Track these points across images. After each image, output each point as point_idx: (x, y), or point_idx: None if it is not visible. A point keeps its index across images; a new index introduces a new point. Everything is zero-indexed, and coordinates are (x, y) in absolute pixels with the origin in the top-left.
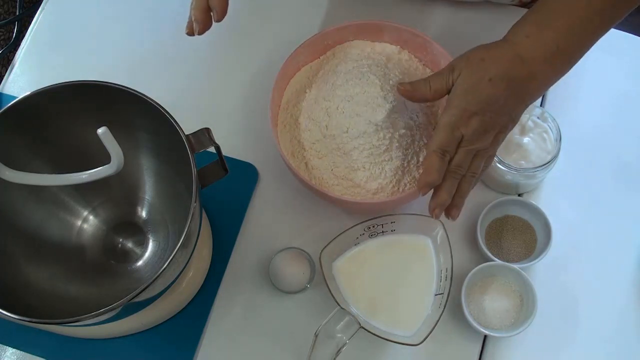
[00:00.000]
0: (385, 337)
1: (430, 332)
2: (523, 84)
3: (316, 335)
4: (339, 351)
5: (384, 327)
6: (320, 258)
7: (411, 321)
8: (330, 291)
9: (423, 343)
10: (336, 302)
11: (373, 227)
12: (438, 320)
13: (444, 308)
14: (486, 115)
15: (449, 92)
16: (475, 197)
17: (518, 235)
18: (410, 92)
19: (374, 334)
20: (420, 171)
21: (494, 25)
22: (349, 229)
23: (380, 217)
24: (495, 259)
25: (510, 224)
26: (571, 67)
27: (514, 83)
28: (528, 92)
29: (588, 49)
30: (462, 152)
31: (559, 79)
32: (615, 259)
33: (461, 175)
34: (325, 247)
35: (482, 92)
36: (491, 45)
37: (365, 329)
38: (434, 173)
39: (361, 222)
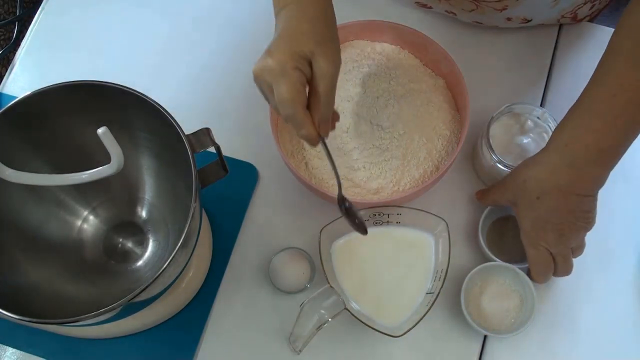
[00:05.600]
0: (367, 323)
1: (413, 327)
2: (574, 185)
3: (301, 307)
4: (320, 327)
5: (369, 314)
6: (320, 234)
7: (396, 314)
8: (322, 267)
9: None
10: (327, 279)
11: (379, 215)
12: (422, 317)
13: (431, 307)
14: (552, 223)
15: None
16: (474, 195)
17: (519, 235)
18: (481, 199)
19: (357, 318)
20: (420, 171)
21: (495, 28)
22: None
23: (387, 206)
24: (496, 259)
25: (512, 224)
26: (620, 157)
27: (565, 191)
28: (583, 187)
29: (635, 136)
30: (559, 260)
31: (612, 169)
32: (615, 259)
33: (566, 275)
34: (328, 224)
35: (537, 210)
36: (533, 162)
37: (349, 312)
38: (540, 281)
39: (368, 208)
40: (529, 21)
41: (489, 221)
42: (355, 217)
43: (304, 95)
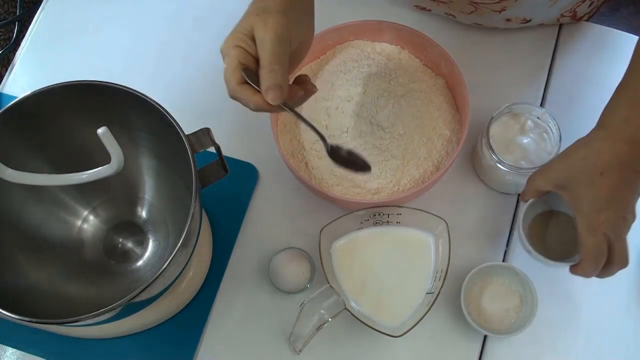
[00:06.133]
0: (368, 324)
1: (413, 327)
2: (636, 161)
3: (301, 307)
4: (319, 327)
5: (369, 314)
6: (320, 234)
7: (396, 314)
8: (322, 267)
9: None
10: (327, 279)
11: (379, 215)
12: (422, 318)
13: (431, 307)
14: (614, 204)
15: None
16: (478, 197)
17: (563, 230)
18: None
19: (357, 318)
20: (420, 171)
21: (495, 29)
22: (355, 211)
23: (387, 206)
24: (541, 256)
25: (555, 220)
26: None
27: (626, 167)
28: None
29: None
30: (618, 246)
31: None
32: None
33: (622, 268)
34: (328, 224)
35: (599, 189)
36: (589, 140)
37: (349, 312)
38: (590, 275)
39: (368, 208)
40: (528, 21)
41: (528, 219)
42: (355, 157)
43: (238, 72)
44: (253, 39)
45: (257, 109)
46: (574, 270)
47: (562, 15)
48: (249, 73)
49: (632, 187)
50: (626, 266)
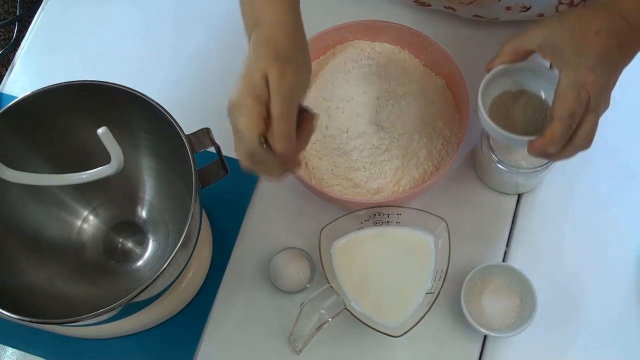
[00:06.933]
0: (368, 324)
1: (412, 327)
2: (628, 40)
3: (301, 307)
4: (320, 327)
5: (369, 314)
6: (320, 234)
7: (396, 314)
8: (322, 267)
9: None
10: (327, 279)
11: (379, 215)
12: (422, 317)
13: (431, 307)
14: (604, 68)
15: (529, 53)
16: (478, 197)
17: (529, 113)
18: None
19: (357, 318)
20: (420, 171)
21: (495, 25)
22: (355, 211)
23: (387, 206)
24: (499, 129)
25: (525, 100)
26: None
27: (621, 37)
28: (629, 53)
29: None
30: (592, 119)
31: None
32: (615, 259)
33: (583, 149)
34: (328, 224)
35: (592, 46)
36: (583, 7)
37: (349, 312)
38: (555, 144)
39: (368, 208)
40: (528, 8)
41: (491, 95)
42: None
43: (262, 126)
44: (267, 86)
45: (280, 174)
46: (536, 143)
47: (561, 3)
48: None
49: (624, 56)
50: (587, 148)
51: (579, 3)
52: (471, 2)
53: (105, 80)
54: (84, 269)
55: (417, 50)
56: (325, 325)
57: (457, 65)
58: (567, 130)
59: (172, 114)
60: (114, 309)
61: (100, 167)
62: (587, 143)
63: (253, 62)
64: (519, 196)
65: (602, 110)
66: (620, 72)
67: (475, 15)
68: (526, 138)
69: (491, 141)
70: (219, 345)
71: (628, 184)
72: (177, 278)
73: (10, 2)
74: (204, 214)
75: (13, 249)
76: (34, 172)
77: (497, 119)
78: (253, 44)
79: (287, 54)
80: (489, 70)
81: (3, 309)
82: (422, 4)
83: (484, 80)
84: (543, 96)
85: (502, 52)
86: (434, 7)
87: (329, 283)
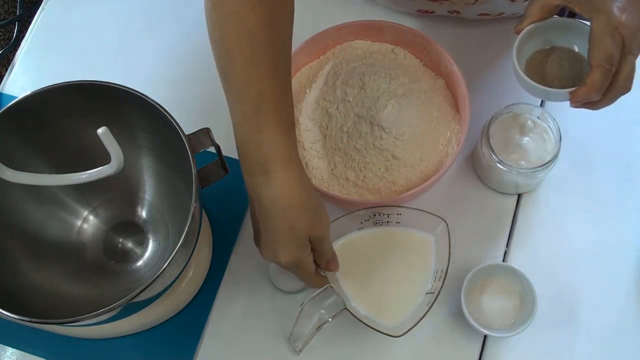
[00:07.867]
0: (368, 324)
1: (413, 327)
2: None
3: (301, 307)
4: (320, 327)
5: (369, 314)
6: None
7: (396, 314)
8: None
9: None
10: (327, 279)
11: (379, 215)
12: (422, 317)
13: (431, 307)
14: (634, 8)
15: (557, 8)
16: (478, 197)
17: (564, 67)
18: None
19: (357, 318)
20: (420, 171)
21: (495, 25)
22: (355, 211)
23: (387, 206)
24: (538, 85)
25: (558, 54)
26: None
27: None
28: None
29: None
30: (629, 61)
31: None
32: (615, 259)
33: (624, 92)
34: None
35: None
36: None
37: (349, 312)
38: (597, 91)
39: (367, 208)
40: None
41: (524, 56)
42: None
43: (313, 266)
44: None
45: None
46: (579, 92)
47: None
48: None
49: None
50: (629, 91)
51: None
52: (476, 1)
53: (105, 80)
54: (84, 269)
55: (417, 50)
56: (325, 325)
57: (457, 65)
58: (607, 75)
59: (172, 114)
60: (114, 309)
61: (100, 167)
62: (628, 86)
63: (296, 224)
64: (519, 196)
65: (637, 52)
66: None
67: (481, 14)
68: (567, 90)
69: (491, 141)
70: (219, 345)
71: (628, 184)
72: (177, 278)
73: (10, 2)
74: (204, 214)
75: (13, 249)
76: (34, 172)
77: (535, 78)
78: (279, 196)
79: (315, 203)
80: (518, 32)
81: (3, 309)
82: (426, 12)
83: (516, 43)
84: (576, 49)
85: (529, 12)
86: (438, 12)
87: (329, 283)
